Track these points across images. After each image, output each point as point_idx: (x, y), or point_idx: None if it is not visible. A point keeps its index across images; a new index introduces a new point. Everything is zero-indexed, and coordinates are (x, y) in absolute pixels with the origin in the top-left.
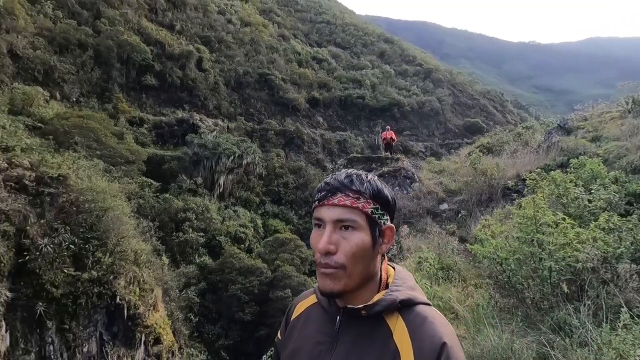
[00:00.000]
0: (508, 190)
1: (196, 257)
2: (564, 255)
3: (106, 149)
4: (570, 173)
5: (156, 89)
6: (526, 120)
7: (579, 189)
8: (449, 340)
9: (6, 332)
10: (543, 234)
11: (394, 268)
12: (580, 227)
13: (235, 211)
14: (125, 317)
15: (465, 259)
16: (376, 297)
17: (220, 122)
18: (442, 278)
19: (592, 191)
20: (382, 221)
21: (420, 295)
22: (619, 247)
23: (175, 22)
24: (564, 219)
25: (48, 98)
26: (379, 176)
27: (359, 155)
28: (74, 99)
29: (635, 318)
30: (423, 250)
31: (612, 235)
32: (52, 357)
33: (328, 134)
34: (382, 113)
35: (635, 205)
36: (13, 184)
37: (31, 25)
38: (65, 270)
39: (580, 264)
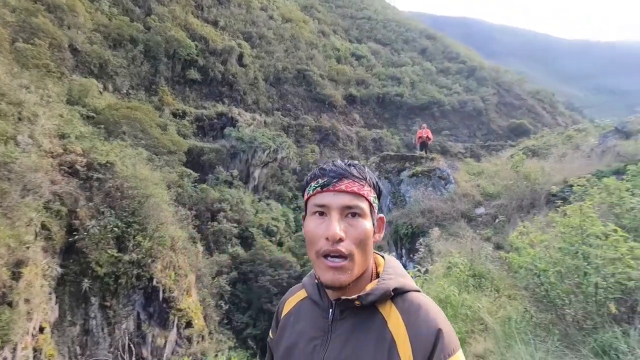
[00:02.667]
0: (553, 196)
1: (229, 247)
2: (613, 272)
3: (150, 139)
4: (628, 181)
5: (199, 83)
6: (579, 123)
7: (636, 198)
8: (443, 326)
9: (56, 304)
10: (590, 246)
11: (382, 257)
12: (635, 241)
13: (268, 204)
14: (161, 299)
15: (500, 267)
16: (369, 287)
17: (257, 116)
18: (473, 286)
19: None
20: (377, 210)
21: (411, 283)
22: None
23: (219, 18)
24: (615, 231)
25: (102, 90)
26: (412, 175)
27: (392, 154)
28: (125, 91)
29: None
30: (454, 255)
31: None
32: (94, 331)
33: (364, 131)
34: (420, 111)
35: None
36: (67, 169)
37: (89, 22)
38: (109, 251)
39: (633, 282)
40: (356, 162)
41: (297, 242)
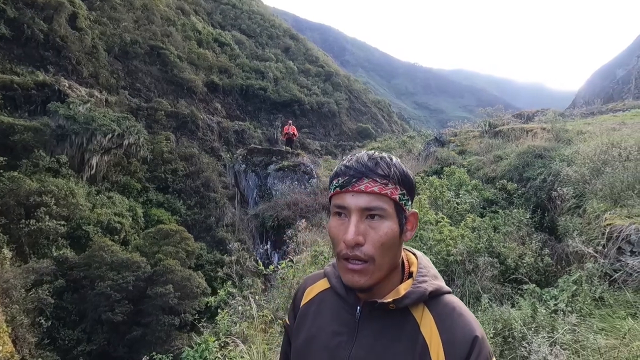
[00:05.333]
0: None
1: (53, 250)
2: (439, 250)
3: None
4: (444, 179)
5: (7, 40)
6: (407, 132)
7: (451, 193)
8: (479, 333)
9: None
10: (425, 230)
11: (414, 255)
12: (451, 225)
13: (110, 197)
14: None
15: None
16: (402, 289)
17: (97, 93)
18: None
19: (460, 195)
20: (407, 207)
21: (444, 284)
22: (479, 243)
23: None
24: (442, 218)
25: None
26: (279, 169)
27: (259, 147)
28: None
29: (489, 302)
30: (319, 244)
31: (474, 233)
32: None
33: (226, 122)
34: (283, 108)
35: (487, 208)
36: None
37: None
38: None
39: (452, 257)
40: (383, 154)
41: (146, 239)
